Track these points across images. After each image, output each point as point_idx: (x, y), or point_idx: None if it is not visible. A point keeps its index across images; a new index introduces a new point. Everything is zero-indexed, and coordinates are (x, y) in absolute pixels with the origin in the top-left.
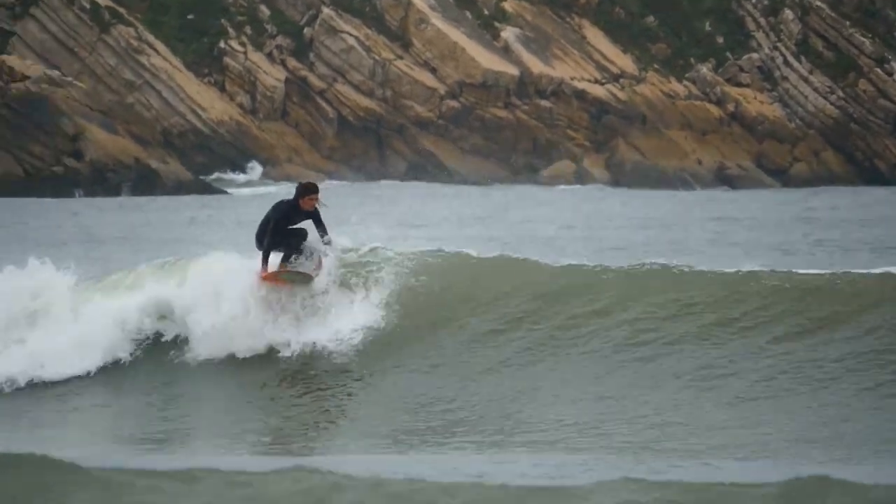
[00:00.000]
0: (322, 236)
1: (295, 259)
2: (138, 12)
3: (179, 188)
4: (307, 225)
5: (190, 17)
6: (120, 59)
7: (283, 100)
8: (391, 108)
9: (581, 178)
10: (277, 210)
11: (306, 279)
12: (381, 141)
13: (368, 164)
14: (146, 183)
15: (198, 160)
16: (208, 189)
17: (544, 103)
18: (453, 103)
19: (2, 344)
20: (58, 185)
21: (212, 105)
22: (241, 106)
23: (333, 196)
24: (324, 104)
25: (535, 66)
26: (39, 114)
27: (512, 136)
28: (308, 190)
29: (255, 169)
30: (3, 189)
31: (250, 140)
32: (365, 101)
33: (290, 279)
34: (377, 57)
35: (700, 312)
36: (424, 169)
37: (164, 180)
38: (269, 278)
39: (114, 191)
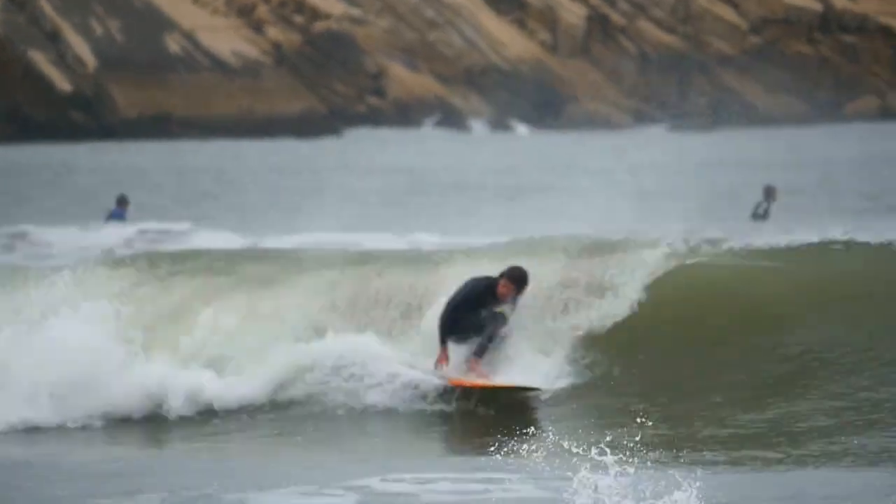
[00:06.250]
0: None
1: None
2: None
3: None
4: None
5: None
6: None
7: (585, 37)
8: (693, 45)
9: (885, 114)
10: (471, 288)
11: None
12: (682, 78)
13: (669, 102)
14: (449, 121)
15: (500, 97)
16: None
17: (848, 39)
18: (755, 39)
19: None
20: (361, 122)
21: (512, 42)
22: (542, 43)
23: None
24: (625, 41)
25: (839, 0)
26: (342, 52)
27: (814, 71)
28: (521, 279)
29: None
30: (308, 127)
31: (552, 78)
32: (666, 38)
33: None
34: None
35: None
36: (726, 105)
37: (465, 117)
38: (458, 383)
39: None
